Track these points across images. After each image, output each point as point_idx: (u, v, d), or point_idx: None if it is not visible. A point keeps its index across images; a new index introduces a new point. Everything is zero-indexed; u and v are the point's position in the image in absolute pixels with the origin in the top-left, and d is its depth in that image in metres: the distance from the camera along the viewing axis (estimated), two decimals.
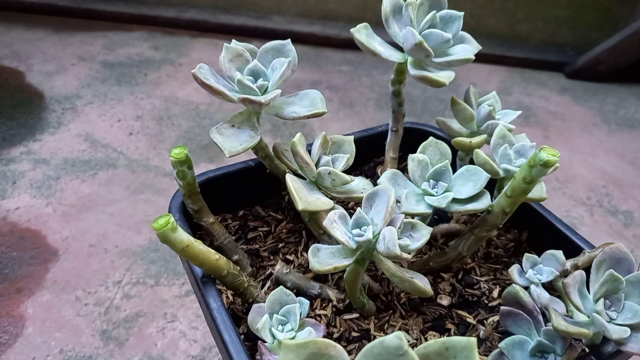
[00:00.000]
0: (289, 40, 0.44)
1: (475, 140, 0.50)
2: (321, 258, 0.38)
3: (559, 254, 0.44)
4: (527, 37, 1.74)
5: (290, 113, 0.43)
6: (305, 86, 0.48)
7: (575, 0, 1.66)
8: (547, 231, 0.51)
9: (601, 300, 0.37)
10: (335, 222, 0.38)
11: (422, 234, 0.39)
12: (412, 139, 0.56)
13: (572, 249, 0.48)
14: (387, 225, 0.37)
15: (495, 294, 0.49)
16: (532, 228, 0.54)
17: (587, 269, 0.39)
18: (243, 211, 0.57)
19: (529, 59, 1.66)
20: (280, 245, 0.53)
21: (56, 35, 1.69)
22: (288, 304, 0.41)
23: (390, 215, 0.37)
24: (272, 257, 0.51)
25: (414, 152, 0.47)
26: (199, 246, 0.40)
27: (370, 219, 0.38)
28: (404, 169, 0.59)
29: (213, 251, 0.41)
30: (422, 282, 0.41)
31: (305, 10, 1.73)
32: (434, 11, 0.46)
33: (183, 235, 0.39)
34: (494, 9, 1.70)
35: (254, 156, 0.52)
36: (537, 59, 1.66)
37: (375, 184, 0.43)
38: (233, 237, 0.51)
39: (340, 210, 0.39)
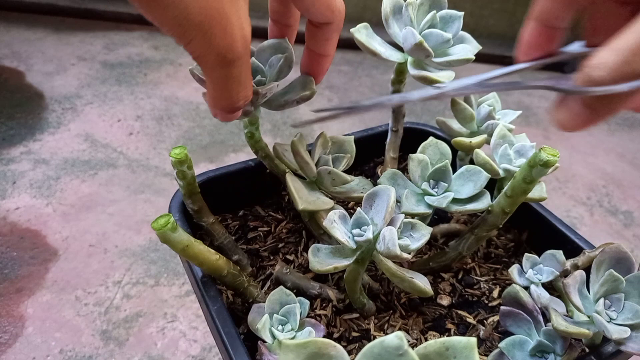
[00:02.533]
0: (286, 38, 0.44)
1: (475, 140, 0.50)
2: (321, 258, 0.38)
3: (559, 254, 0.44)
4: None
5: (280, 101, 0.43)
6: None
7: None
8: (547, 231, 0.51)
9: (601, 300, 0.37)
10: (335, 222, 0.38)
11: (422, 234, 0.39)
12: (412, 139, 0.56)
13: (572, 249, 0.48)
14: (387, 225, 0.37)
15: (495, 294, 0.49)
16: (532, 228, 0.54)
17: (587, 269, 0.39)
18: (243, 211, 0.57)
19: None
20: (280, 245, 0.53)
21: (56, 35, 1.69)
22: (288, 304, 0.41)
23: (390, 215, 0.37)
24: (272, 257, 0.51)
25: (414, 152, 0.47)
26: (199, 246, 0.40)
27: (370, 219, 0.38)
28: (404, 169, 0.59)
29: (213, 251, 0.41)
30: (422, 282, 0.41)
31: None
32: (434, 11, 0.46)
33: (183, 235, 0.39)
34: (494, 9, 1.70)
35: (254, 156, 0.53)
36: None
37: (375, 184, 0.43)
38: (233, 237, 0.51)
39: (340, 210, 0.39)
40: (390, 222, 0.37)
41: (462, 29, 0.47)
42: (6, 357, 0.77)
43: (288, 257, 0.52)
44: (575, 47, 0.31)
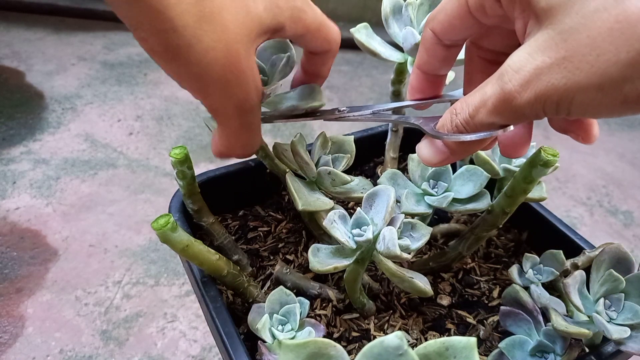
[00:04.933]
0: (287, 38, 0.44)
1: None
2: (321, 258, 0.38)
3: (559, 254, 0.44)
4: None
5: (288, 107, 0.43)
6: None
7: None
8: (547, 231, 0.51)
9: (601, 300, 0.37)
10: (335, 222, 0.37)
11: (422, 234, 0.39)
12: (412, 139, 0.56)
13: (572, 249, 0.48)
14: (387, 225, 0.37)
15: (495, 294, 0.49)
16: (532, 228, 0.54)
17: (587, 269, 0.39)
18: (243, 211, 0.57)
19: None
20: (280, 245, 0.53)
21: (56, 35, 1.69)
22: (288, 304, 0.41)
23: (390, 215, 0.37)
24: (272, 257, 0.51)
25: (414, 152, 0.47)
26: (199, 246, 0.40)
27: (370, 219, 0.38)
28: (404, 169, 0.59)
29: (213, 251, 0.41)
30: (422, 282, 0.41)
31: None
32: None
33: (183, 235, 0.39)
34: None
35: (254, 156, 0.52)
36: None
37: (375, 184, 0.43)
38: (233, 237, 0.51)
39: (340, 210, 0.39)
40: (390, 222, 0.37)
41: None
42: (6, 357, 0.77)
43: (288, 257, 0.52)
44: (457, 93, 0.36)
